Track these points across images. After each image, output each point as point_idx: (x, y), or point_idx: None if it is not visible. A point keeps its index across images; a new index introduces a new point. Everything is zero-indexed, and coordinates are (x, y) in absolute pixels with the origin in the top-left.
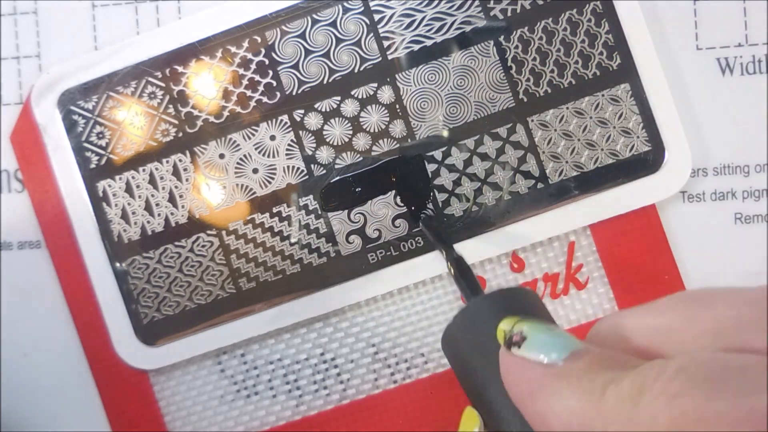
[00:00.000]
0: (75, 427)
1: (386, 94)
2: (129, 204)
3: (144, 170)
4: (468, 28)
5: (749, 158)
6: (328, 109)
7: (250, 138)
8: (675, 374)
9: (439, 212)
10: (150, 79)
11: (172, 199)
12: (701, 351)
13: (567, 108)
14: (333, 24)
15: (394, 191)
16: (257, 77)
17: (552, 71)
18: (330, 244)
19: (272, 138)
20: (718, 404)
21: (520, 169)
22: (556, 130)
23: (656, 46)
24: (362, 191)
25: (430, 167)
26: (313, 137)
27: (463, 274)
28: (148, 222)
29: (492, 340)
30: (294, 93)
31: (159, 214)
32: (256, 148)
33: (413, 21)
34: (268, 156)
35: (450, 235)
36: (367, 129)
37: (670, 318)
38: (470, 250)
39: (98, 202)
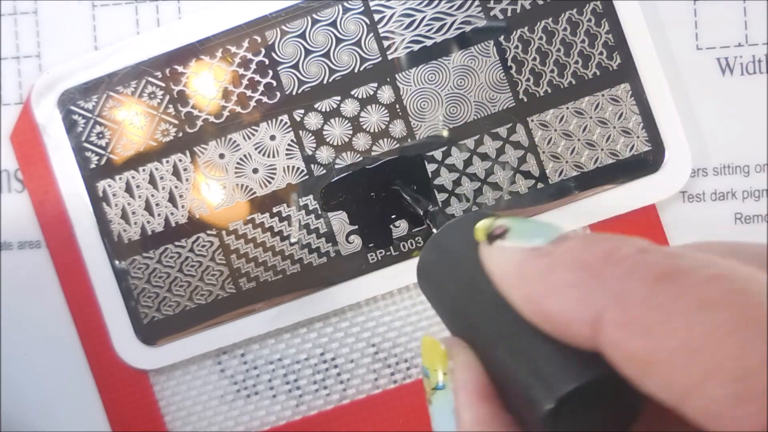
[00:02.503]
0: (75, 427)
1: (386, 94)
2: (129, 204)
3: (144, 170)
4: (468, 28)
5: (749, 158)
6: (328, 109)
7: (250, 138)
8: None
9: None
10: (150, 79)
11: (172, 199)
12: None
13: (567, 108)
14: (333, 24)
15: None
16: (257, 77)
17: (552, 71)
18: (330, 244)
19: (272, 138)
20: None
21: (520, 169)
22: (556, 130)
23: (656, 46)
24: (362, 191)
25: (430, 167)
26: (313, 137)
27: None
28: (148, 222)
29: (470, 249)
30: (294, 93)
31: (159, 214)
32: (256, 148)
33: (413, 21)
34: (268, 156)
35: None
36: (367, 129)
37: None
38: None
39: (98, 202)
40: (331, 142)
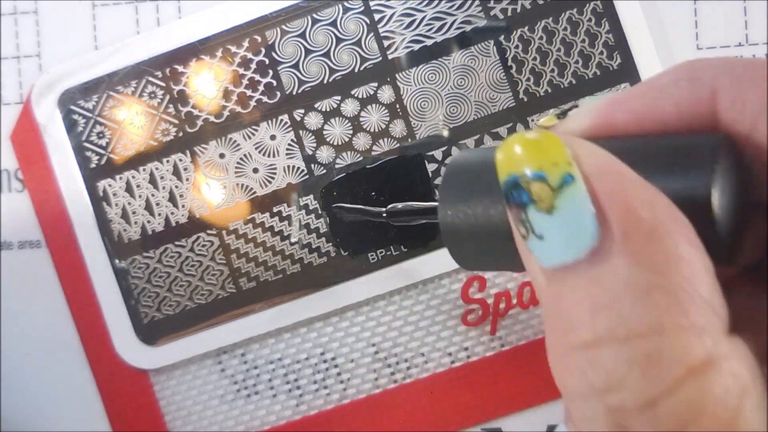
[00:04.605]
0: (75, 427)
1: (386, 94)
2: (129, 203)
3: (144, 170)
4: (468, 28)
5: None
6: (328, 109)
7: (250, 137)
8: None
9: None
10: (150, 78)
11: (172, 199)
12: None
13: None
14: (333, 23)
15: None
16: (257, 77)
17: (552, 71)
18: (330, 244)
19: (272, 137)
20: None
21: None
22: None
23: (656, 46)
24: (362, 191)
25: (431, 167)
26: (313, 137)
27: (405, 212)
28: (149, 221)
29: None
30: (294, 92)
31: (159, 214)
32: (256, 148)
33: (413, 21)
34: (269, 155)
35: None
36: (368, 128)
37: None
38: None
39: (98, 201)
40: (331, 142)
